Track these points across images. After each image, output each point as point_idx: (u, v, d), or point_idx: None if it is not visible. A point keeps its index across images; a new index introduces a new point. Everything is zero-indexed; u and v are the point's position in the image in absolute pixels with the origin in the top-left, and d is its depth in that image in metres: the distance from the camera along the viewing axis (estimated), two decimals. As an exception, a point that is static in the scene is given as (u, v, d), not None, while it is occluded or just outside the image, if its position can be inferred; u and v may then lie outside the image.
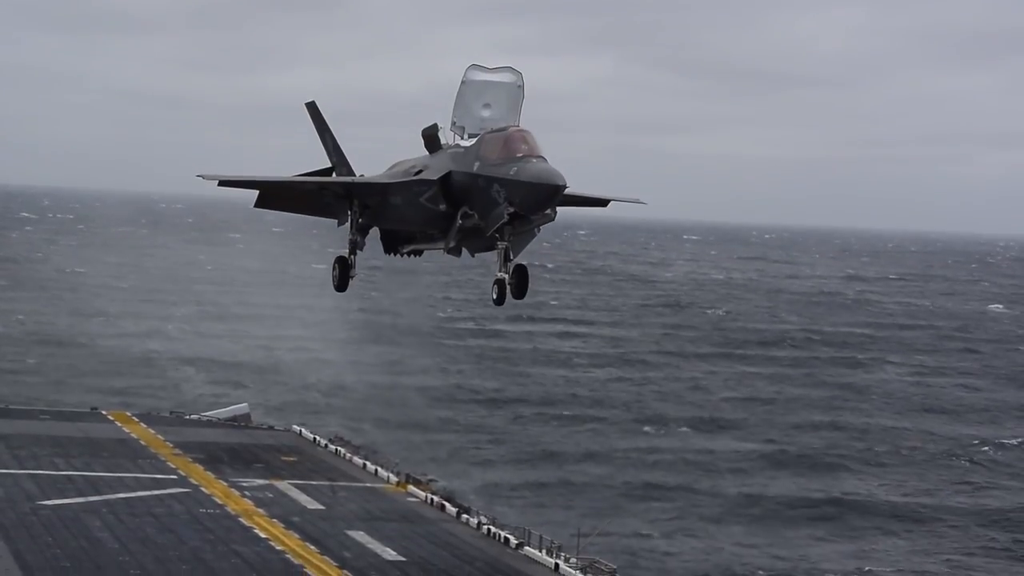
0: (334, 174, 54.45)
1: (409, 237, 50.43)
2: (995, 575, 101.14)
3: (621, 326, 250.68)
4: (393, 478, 79.26)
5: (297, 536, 64.60)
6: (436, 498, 73.99)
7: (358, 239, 51.39)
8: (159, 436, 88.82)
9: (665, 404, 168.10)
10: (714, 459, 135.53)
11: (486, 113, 47.32)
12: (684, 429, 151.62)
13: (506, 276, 45.78)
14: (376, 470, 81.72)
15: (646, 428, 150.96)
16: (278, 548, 62.16)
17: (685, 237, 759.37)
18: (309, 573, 58.07)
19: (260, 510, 69.65)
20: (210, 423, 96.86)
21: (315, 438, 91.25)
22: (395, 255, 52.80)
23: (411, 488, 76.51)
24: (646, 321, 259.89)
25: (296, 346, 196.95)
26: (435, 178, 46.78)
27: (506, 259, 45.75)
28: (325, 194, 53.02)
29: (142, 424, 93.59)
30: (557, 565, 61.64)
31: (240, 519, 67.51)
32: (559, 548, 63.15)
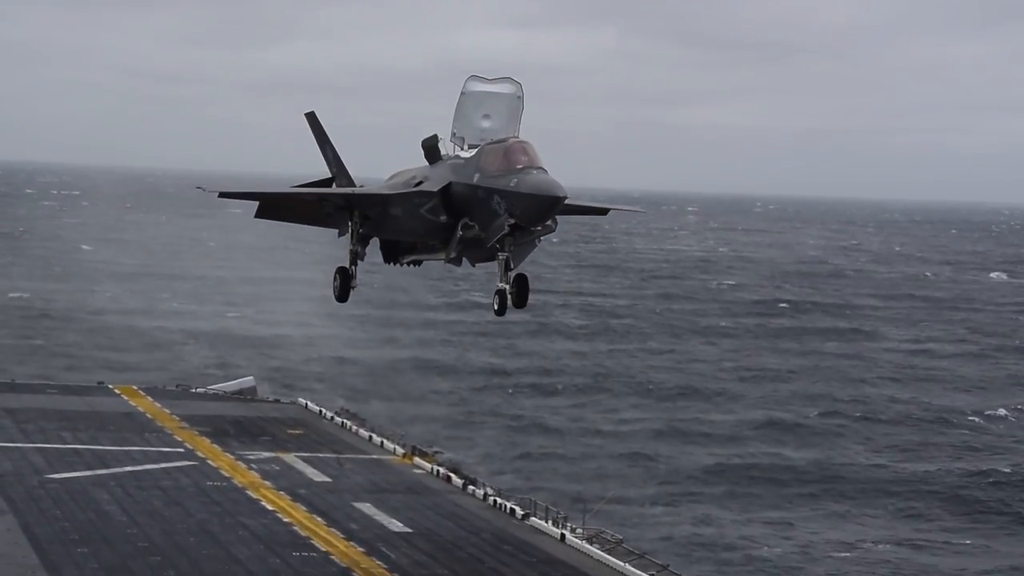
0: (334, 184, 54.68)
1: (409, 247, 50.77)
2: (990, 538, 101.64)
3: (623, 297, 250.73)
4: (399, 450, 79.53)
5: (304, 508, 64.88)
6: (442, 470, 74.25)
7: (359, 249, 51.84)
8: (165, 410, 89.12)
9: (668, 375, 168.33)
10: (715, 428, 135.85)
11: (486, 124, 47.82)
12: (685, 400, 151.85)
13: (507, 286, 46.13)
14: (382, 442, 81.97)
15: (648, 399, 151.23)
16: (285, 520, 62.45)
17: (690, 209, 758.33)
18: (316, 545, 58.36)
19: (267, 482, 69.93)
20: (216, 396, 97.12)
21: (321, 411, 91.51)
22: (395, 264, 52.85)
23: (417, 460, 76.78)
24: (646, 292, 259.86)
25: (300, 320, 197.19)
26: (435, 190, 47.13)
27: (507, 269, 46.06)
28: (325, 205, 53.33)
29: (148, 398, 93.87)
30: (563, 535, 61.91)
31: (247, 491, 67.80)
32: (565, 519, 63.40)
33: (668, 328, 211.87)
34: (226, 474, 71.81)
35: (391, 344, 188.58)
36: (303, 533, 60.45)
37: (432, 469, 74.89)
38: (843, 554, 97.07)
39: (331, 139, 56.50)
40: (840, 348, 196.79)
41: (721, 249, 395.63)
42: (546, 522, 63.59)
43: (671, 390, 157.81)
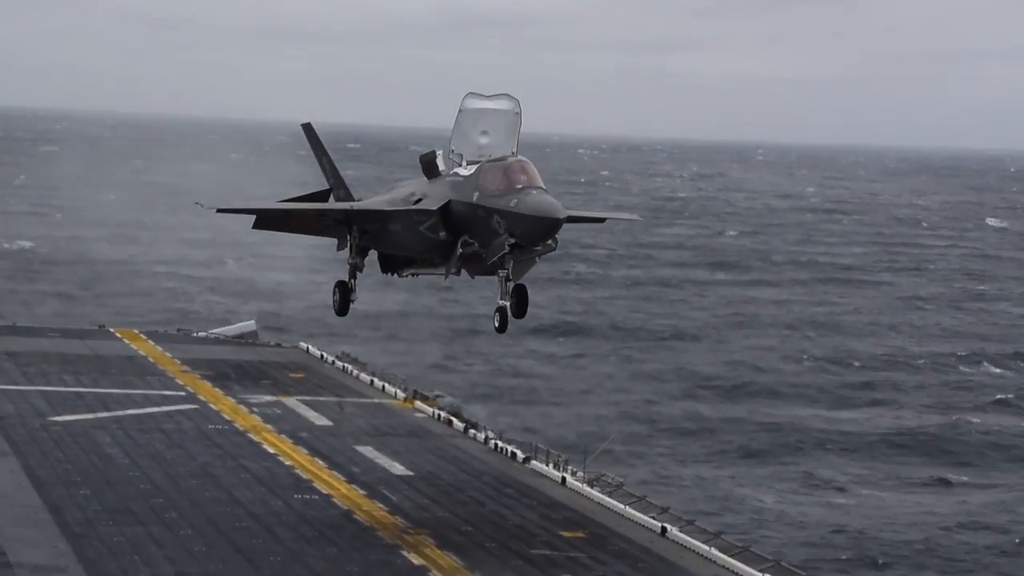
0: (332, 196, 54.63)
1: (408, 261, 50.89)
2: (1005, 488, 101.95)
3: (628, 247, 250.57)
4: (400, 394, 79.64)
5: (305, 451, 65.05)
6: (443, 414, 74.38)
7: (358, 262, 51.76)
8: (167, 353, 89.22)
9: (669, 322, 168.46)
10: (714, 376, 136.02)
11: (484, 140, 48.02)
12: (687, 346, 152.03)
13: (507, 304, 46.18)
14: (383, 386, 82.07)
15: (651, 347, 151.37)
16: (287, 463, 62.62)
17: (691, 163, 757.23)
18: (317, 487, 58.54)
19: (268, 426, 70.10)
20: (217, 340, 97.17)
21: (322, 355, 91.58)
22: (393, 275, 52.54)
23: (418, 404, 76.91)
24: (647, 241, 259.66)
25: (300, 266, 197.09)
26: (434, 208, 47.29)
27: (507, 286, 46.05)
28: (324, 219, 53.38)
29: (150, 341, 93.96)
30: (564, 479, 62.10)
31: (248, 435, 67.96)
32: (566, 462, 63.57)
33: (670, 276, 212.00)
34: (227, 417, 71.97)
35: (390, 288, 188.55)
36: (305, 476, 60.62)
37: (433, 413, 75.02)
38: (842, 501, 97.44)
39: (327, 151, 56.85)
40: (835, 295, 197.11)
41: (716, 195, 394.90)
42: (547, 465, 63.77)
43: (672, 336, 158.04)
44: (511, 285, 46.41)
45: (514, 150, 48.35)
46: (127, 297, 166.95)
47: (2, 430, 66.43)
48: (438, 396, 78.01)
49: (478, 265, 47.68)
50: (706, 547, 53.66)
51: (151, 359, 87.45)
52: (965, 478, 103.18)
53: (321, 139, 58.18)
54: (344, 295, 50.52)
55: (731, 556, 52.70)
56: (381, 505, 55.85)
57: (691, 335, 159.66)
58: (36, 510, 53.69)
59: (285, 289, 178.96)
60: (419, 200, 48.56)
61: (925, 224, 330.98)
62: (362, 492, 57.84)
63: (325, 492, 57.05)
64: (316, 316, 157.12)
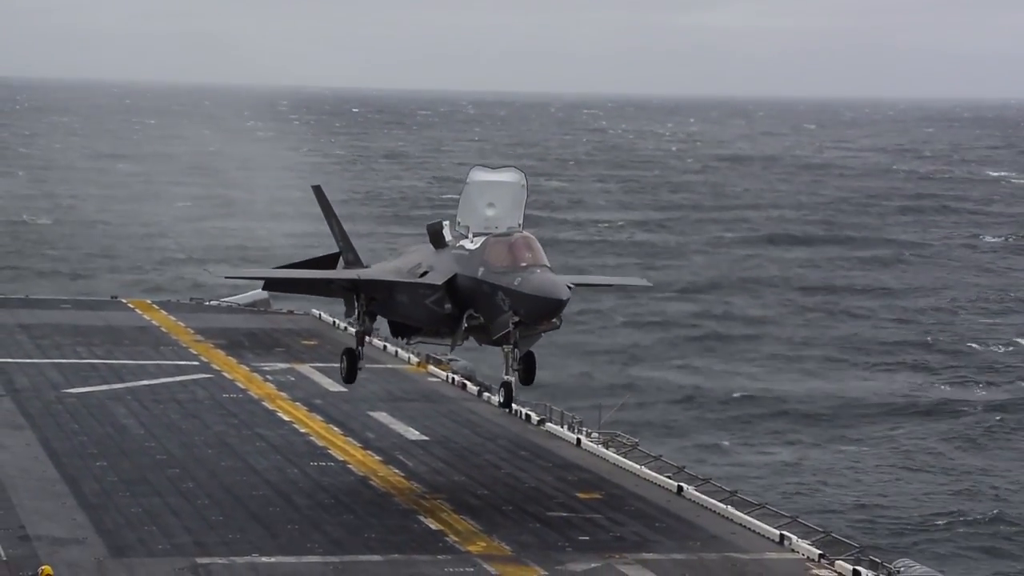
0: (340, 259, 54.79)
1: (416, 329, 50.90)
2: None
3: (631, 208, 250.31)
4: (414, 359, 79.64)
5: (320, 418, 65.11)
6: (457, 377, 74.40)
7: (366, 328, 52.07)
8: (179, 323, 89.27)
9: (672, 280, 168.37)
10: (723, 339, 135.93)
11: (490, 212, 48.53)
12: (692, 306, 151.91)
13: (512, 379, 46.32)
14: (396, 351, 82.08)
15: (658, 308, 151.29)
16: (302, 431, 62.70)
17: (692, 121, 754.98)
18: (333, 454, 58.61)
19: (282, 394, 70.15)
20: (230, 309, 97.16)
21: (335, 321, 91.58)
22: (402, 339, 52.90)
23: (431, 368, 76.91)
24: (650, 201, 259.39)
25: (306, 231, 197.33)
26: (440, 283, 47.73)
27: (512, 361, 45.86)
28: (332, 286, 53.97)
29: (162, 311, 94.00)
30: (579, 440, 62.12)
31: (263, 403, 68.02)
32: (580, 423, 63.60)
33: (674, 233, 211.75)
34: (242, 386, 72.05)
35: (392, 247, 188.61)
36: (320, 443, 60.70)
37: (447, 377, 75.03)
38: (861, 464, 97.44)
39: (336, 214, 57.10)
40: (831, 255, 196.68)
41: (713, 151, 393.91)
42: (562, 427, 63.80)
43: (682, 295, 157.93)
44: (517, 358, 46.66)
45: (520, 221, 49.23)
46: (139, 267, 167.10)
47: (17, 403, 66.60)
48: (451, 360, 77.95)
49: (485, 335, 48.11)
50: (723, 505, 53.72)
51: (164, 329, 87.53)
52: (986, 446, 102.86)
53: (329, 201, 59.06)
54: (352, 363, 50.95)
55: (748, 514, 52.77)
56: (397, 471, 55.91)
57: (704, 294, 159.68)
58: (53, 482, 53.84)
59: (295, 257, 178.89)
60: (425, 273, 49.04)
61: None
62: (378, 458, 57.91)
63: (341, 459, 57.13)
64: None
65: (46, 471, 55.32)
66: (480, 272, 46.85)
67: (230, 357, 79.15)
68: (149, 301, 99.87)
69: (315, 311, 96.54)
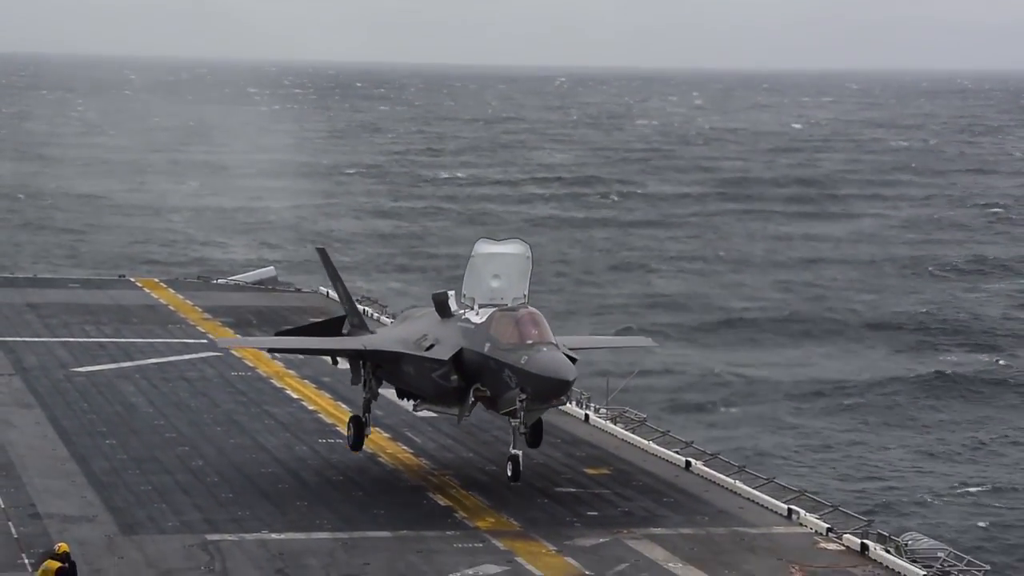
0: (346, 322, 54.92)
1: (423, 398, 51.10)
2: None
3: (629, 178, 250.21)
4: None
5: (328, 396, 65.26)
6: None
7: (372, 395, 52.05)
8: (187, 301, 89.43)
9: (671, 247, 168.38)
10: (728, 305, 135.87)
11: (495, 284, 48.92)
12: (692, 272, 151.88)
13: (520, 453, 46.29)
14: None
15: (657, 273, 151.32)
16: (310, 408, 62.85)
17: (695, 94, 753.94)
18: (341, 432, 58.70)
19: (291, 371, 70.26)
20: (237, 287, 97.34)
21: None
22: (409, 402, 53.11)
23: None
24: (641, 165, 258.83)
25: (313, 203, 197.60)
26: (446, 357, 47.81)
27: (519, 436, 46.16)
28: (337, 354, 54.37)
29: (170, 290, 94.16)
30: (587, 416, 62.23)
31: (271, 381, 68.13)
32: (588, 399, 63.69)
33: (668, 201, 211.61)
34: (250, 364, 72.17)
35: (393, 217, 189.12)
36: (328, 420, 60.86)
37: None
38: (871, 439, 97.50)
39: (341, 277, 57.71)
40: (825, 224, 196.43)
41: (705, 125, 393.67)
42: (570, 403, 63.85)
43: (676, 262, 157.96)
44: (523, 432, 46.73)
45: (525, 292, 49.62)
46: (146, 244, 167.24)
47: (26, 382, 66.79)
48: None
49: (493, 406, 48.23)
50: (731, 480, 53.84)
51: (172, 307, 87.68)
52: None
53: (334, 264, 59.61)
54: (358, 430, 50.99)
55: (756, 488, 52.89)
56: (405, 447, 56.04)
57: (704, 258, 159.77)
58: (63, 461, 54.05)
59: (301, 227, 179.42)
60: (432, 346, 49.05)
61: None
62: (386, 435, 58.01)
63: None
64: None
65: (56, 449, 55.53)
66: (486, 348, 47.03)
67: (238, 335, 79.28)
68: (157, 280, 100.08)
69: (322, 289, 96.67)
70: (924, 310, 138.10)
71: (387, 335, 52.39)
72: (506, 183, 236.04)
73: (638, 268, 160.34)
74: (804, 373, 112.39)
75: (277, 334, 59.03)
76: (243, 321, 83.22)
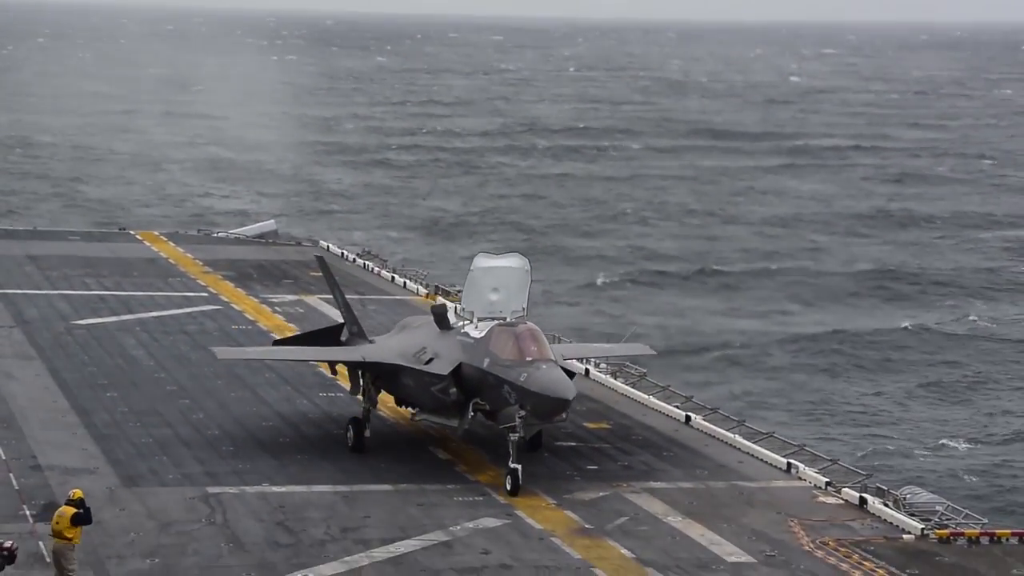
0: (344, 330, 54.94)
1: (422, 408, 51.17)
2: None
3: (626, 132, 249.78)
4: (422, 290, 79.83)
5: (329, 350, 65.16)
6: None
7: (371, 405, 52.04)
8: (188, 254, 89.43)
9: (669, 194, 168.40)
10: (727, 269, 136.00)
11: (494, 297, 49.18)
12: (690, 222, 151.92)
13: (519, 467, 46.24)
14: (404, 283, 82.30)
15: (656, 223, 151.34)
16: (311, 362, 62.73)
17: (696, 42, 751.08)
18: (342, 385, 58.74)
19: (291, 325, 70.32)
20: (238, 240, 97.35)
21: (343, 252, 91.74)
22: (408, 410, 53.22)
23: (439, 299, 76.96)
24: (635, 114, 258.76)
25: (310, 154, 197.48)
26: (446, 372, 47.86)
27: (518, 450, 46.17)
28: (336, 364, 54.59)
29: (170, 243, 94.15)
30: (587, 370, 62.33)
31: (272, 335, 68.15)
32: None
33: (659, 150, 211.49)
34: (250, 317, 72.28)
35: (391, 168, 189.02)
36: (329, 375, 60.84)
37: (455, 307, 74.97)
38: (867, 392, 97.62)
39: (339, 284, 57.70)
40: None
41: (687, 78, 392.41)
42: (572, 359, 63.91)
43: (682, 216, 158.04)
44: (521, 446, 46.71)
45: (524, 306, 49.88)
46: (145, 194, 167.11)
47: (27, 334, 66.87)
48: (459, 291, 77.99)
49: (492, 420, 48.43)
50: (730, 435, 54.01)
51: (172, 260, 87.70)
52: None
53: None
54: (358, 433, 50.84)
55: (755, 442, 53.07)
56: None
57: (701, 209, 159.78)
58: (64, 413, 54.18)
59: (300, 177, 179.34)
60: (431, 360, 49.08)
61: None
62: (379, 395, 58.09)
63: (349, 389, 57.13)
64: (327, 207, 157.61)
65: (57, 402, 55.66)
66: (486, 363, 47.05)
67: (238, 289, 79.36)
68: (157, 233, 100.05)
69: (323, 243, 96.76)
70: (919, 262, 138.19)
71: (386, 346, 52.42)
72: (500, 134, 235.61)
73: (628, 219, 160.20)
74: (801, 326, 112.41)
75: (275, 343, 59.09)
76: (243, 275, 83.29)
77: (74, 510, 37.31)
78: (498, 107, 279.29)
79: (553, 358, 47.14)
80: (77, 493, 38.08)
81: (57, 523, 37.34)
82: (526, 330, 47.33)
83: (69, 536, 37.14)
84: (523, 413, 45.90)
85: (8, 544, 36.38)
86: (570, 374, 48.89)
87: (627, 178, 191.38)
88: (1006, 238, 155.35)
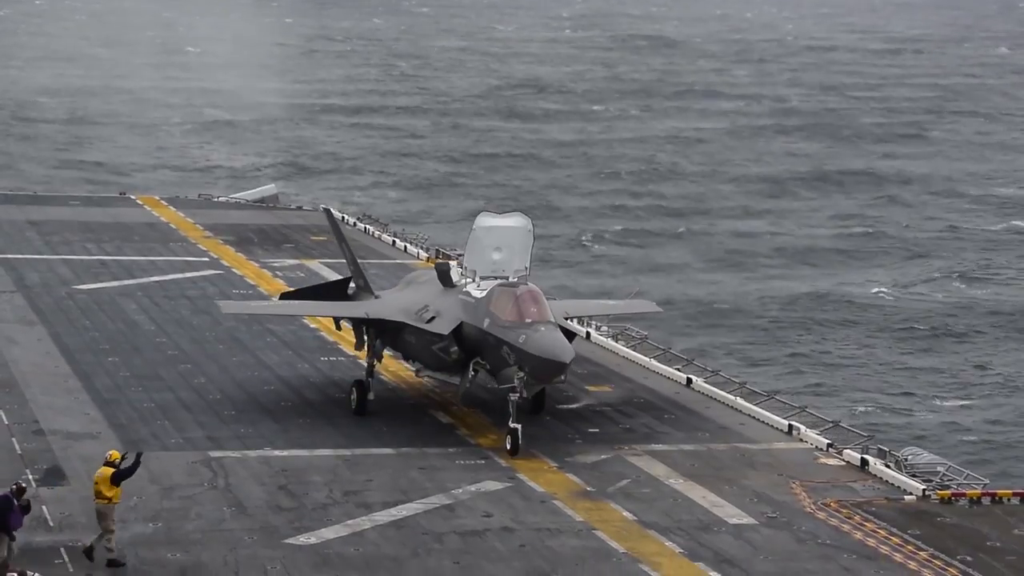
0: (351, 283, 55.20)
1: (425, 366, 51.36)
2: None
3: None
4: (423, 254, 79.79)
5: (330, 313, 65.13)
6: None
7: (375, 361, 52.12)
8: (188, 219, 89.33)
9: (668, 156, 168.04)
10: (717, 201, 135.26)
11: (497, 256, 49.29)
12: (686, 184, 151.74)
13: (519, 427, 46.20)
14: (405, 247, 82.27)
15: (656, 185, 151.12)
16: (312, 326, 62.89)
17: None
18: (343, 349, 58.89)
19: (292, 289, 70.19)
20: (239, 205, 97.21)
21: (343, 216, 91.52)
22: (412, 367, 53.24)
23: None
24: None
25: (307, 114, 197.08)
26: (447, 332, 48.02)
27: (517, 409, 46.12)
28: (341, 320, 54.93)
29: (171, 207, 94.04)
30: (588, 333, 62.31)
31: (273, 299, 68.04)
32: (590, 317, 63.72)
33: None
34: (251, 282, 72.27)
35: (388, 130, 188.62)
36: (330, 339, 60.95)
37: (458, 265, 74.82)
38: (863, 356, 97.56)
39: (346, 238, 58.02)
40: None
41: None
42: (572, 321, 63.89)
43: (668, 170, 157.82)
44: (522, 405, 46.71)
45: (527, 265, 49.88)
46: (143, 158, 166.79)
47: (28, 299, 66.89)
48: (461, 255, 77.96)
49: (493, 380, 48.44)
50: (732, 397, 54.07)
51: (173, 225, 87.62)
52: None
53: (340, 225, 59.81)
54: (361, 395, 50.81)
55: (756, 404, 53.12)
56: (407, 365, 56.01)
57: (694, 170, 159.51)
58: (66, 378, 54.26)
59: (303, 141, 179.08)
60: (433, 318, 49.18)
61: None
62: (388, 352, 58.03)
63: (351, 354, 57.27)
64: (326, 167, 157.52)
65: (58, 366, 55.73)
66: (486, 323, 47.13)
67: (239, 253, 79.32)
68: (158, 197, 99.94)
69: (323, 206, 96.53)
70: (909, 223, 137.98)
71: (390, 302, 52.52)
72: (495, 95, 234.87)
73: (627, 176, 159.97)
74: (800, 290, 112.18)
75: (282, 296, 59.03)
76: (244, 239, 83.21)
77: (112, 470, 37.74)
78: (492, 68, 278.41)
79: (553, 320, 47.16)
80: (114, 454, 38.57)
81: (97, 484, 37.84)
82: (526, 291, 47.36)
83: (109, 495, 37.67)
84: (522, 375, 45.99)
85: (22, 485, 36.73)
86: (570, 336, 48.97)
87: (625, 140, 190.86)
88: (1001, 196, 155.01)
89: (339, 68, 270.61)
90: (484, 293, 48.28)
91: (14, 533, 35.97)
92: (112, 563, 37.21)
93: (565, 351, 46.21)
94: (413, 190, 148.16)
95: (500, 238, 49.99)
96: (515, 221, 50.63)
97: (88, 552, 37.41)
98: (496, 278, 49.24)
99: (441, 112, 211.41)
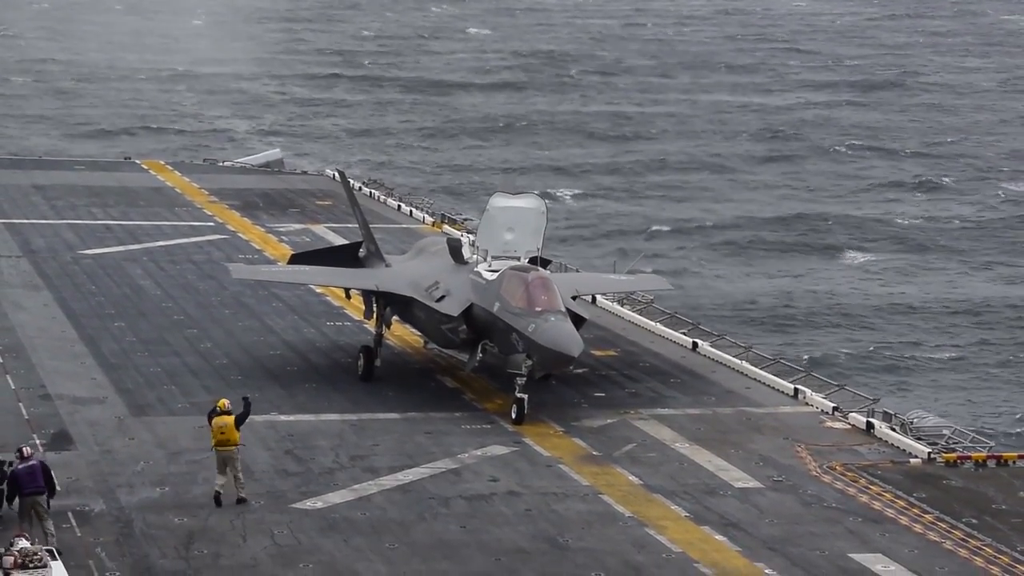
0: (363, 246, 55.38)
1: (434, 341, 51.89)
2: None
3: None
4: (428, 219, 79.77)
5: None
6: (472, 238, 74.14)
7: (383, 329, 52.10)
8: (194, 184, 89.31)
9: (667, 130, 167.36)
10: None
11: (509, 236, 49.33)
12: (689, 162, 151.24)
13: (525, 397, 46.21)
14: (411, 211, 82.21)
15: (656, 162, 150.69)
16: (318, 291, 62.89)
17: None
18: (349, 314, 58.91)
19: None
20: (244, 169, 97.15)
21: (349, 182, 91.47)
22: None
23: (446, 228, 76.97)
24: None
25: (306, 84, 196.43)
26: (456, 313, 47.95)
27: (524, 383, 46.21)
28: (351, 290, 55.29)
29: (176, 172, 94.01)
30: (594, 298, 62.25)
31: (279, 264, 68.12)
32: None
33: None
34: (257, 247, 72.28)
35: (388, 101, 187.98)
36: (336, 303, 60.99)
37: (470, 240, 74.78)
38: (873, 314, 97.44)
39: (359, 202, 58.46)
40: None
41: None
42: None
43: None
44: (527, 382, 46.71)
45: (539, 246, 49.94)
46: (148, 123, 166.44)
47: (34, 264, 66.96)
48: (466, 220, 78.03)
49: (502, 361, 48.35)
50: (737, 360, 54.09)
51: (178, 190, 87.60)
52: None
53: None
54: (368, 361, 50.76)
55: (762, 368, 53.14)
56: (413, 330, 56.10)
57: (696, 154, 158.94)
58: (72, 342, 54.35)
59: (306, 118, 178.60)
60: (443, 297, 49.06)
61: None
62: (394, 317, 58.09)
63: (357, 319, 57.29)
64: (330, 133, 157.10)
65: (65, 331, 55.82)
66: (495, 307, 47.00)
67: (245, 218, 79.32)
68: (163, 162, 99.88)
69: (328, 171, 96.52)
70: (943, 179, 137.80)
71: (400, 274, 52.43)
72: (510, 67, 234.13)
73: (616, 138, 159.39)
74: (814, 254, 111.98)
75: (291, 259, 58.91)
76: (249, 204, 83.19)
77: (232, 417, 38.83)
78: (504, 36, 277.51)
79: (563, 309, 46.86)
80: (223, 403, 39.15)
81: (223, 433, 38.82)
82: (537, 278, 47.09)
83: (236, 441, 38.89)
84: (529, 363, 45.97)
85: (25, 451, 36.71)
86: (580, 321, 48.87)
87: (632, 114, 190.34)
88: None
89: (344, 33, 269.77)
90: (495, 276, 48.19)
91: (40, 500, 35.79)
92: (241, 500, 38.80)
93: (574, 343, 45.94)
94: (415, 158, 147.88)
95: (513, 218, 49.99)
96: (529, 202, 50.57)
97: (218, 499, 38.83)
98: (508, 258, 49.35)
99: (443, 83, 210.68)
